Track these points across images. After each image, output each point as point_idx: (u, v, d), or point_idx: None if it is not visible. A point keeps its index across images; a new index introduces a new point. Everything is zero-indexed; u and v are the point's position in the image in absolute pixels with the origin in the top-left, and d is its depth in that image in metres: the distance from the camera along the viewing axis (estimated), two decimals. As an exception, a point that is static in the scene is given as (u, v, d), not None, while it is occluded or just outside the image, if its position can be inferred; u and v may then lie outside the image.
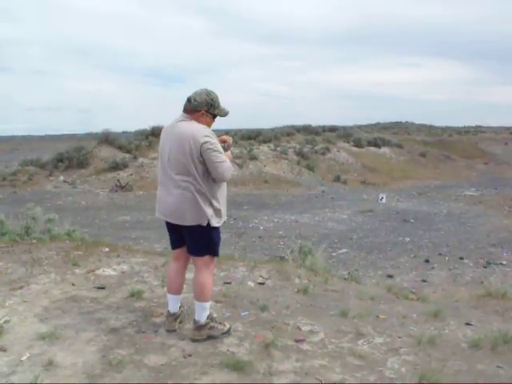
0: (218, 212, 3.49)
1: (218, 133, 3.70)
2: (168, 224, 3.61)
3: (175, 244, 3.71)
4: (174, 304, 3.75)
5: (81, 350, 3.37)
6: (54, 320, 3.83)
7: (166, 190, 3.50)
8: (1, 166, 24.73)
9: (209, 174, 3.40)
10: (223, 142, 3.67)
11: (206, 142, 3.32)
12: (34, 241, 6.34)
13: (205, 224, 3.41)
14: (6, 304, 4.11)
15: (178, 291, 3.75)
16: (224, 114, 3.57)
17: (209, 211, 3.41)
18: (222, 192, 3.57)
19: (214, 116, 3.53)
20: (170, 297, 3.75)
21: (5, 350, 3.30)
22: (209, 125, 3.51)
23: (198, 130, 3.37)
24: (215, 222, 3.46)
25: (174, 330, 3.72)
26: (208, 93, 3.44)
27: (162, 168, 3.55)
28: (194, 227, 3.43)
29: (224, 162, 3.38)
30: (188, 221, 3.41)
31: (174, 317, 3.75)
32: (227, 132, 25.60)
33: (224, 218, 3.58)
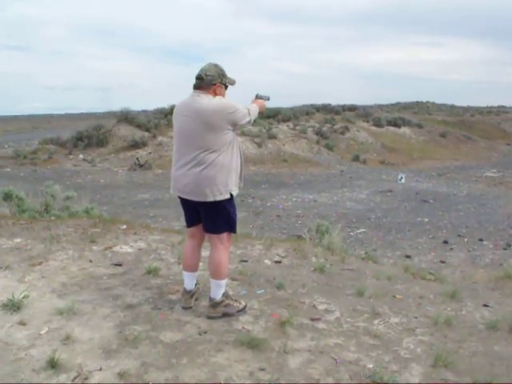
0: (236, 183, 3.54)
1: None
2: (183, 201, 3.60)
3: (190, 221, 3.70)
4: (189, 281, 3.77)
5: (98, 325, 3.41)
6: (71, 296, 3.88)
7: (184, 168, 3.46)
8: (21, 145, 24.96)
9: (228, 147, 3.42)
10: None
11: (230, 112, 3.38)
12: (53, 218, 6.42)
13: (228, 197, 3.43)
14: (26, 279, 4.17)
15: (193, 269, 3.76)
16: (233, 82, 3.62)
17: (229, 184, 3.43)
18: (239, 161, 3.59)
19: (226, 86, 3.58)
20: (185, 274, 3.77)
21: (24, 324, 3.36)
22: (224, 95, 3.55)
23: (216, 102, 3.38)
24: (234, 192, 3.50)
25: (190, 307, 3.74)
26: (215, 65, 3.50)
27: (179, 146, 3.54)
28: (212, 203, 3.41)
29: (247, 116, 3.52)
30: (209, 197, 3.39)
31: (189, 294, 3.77)
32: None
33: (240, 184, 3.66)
